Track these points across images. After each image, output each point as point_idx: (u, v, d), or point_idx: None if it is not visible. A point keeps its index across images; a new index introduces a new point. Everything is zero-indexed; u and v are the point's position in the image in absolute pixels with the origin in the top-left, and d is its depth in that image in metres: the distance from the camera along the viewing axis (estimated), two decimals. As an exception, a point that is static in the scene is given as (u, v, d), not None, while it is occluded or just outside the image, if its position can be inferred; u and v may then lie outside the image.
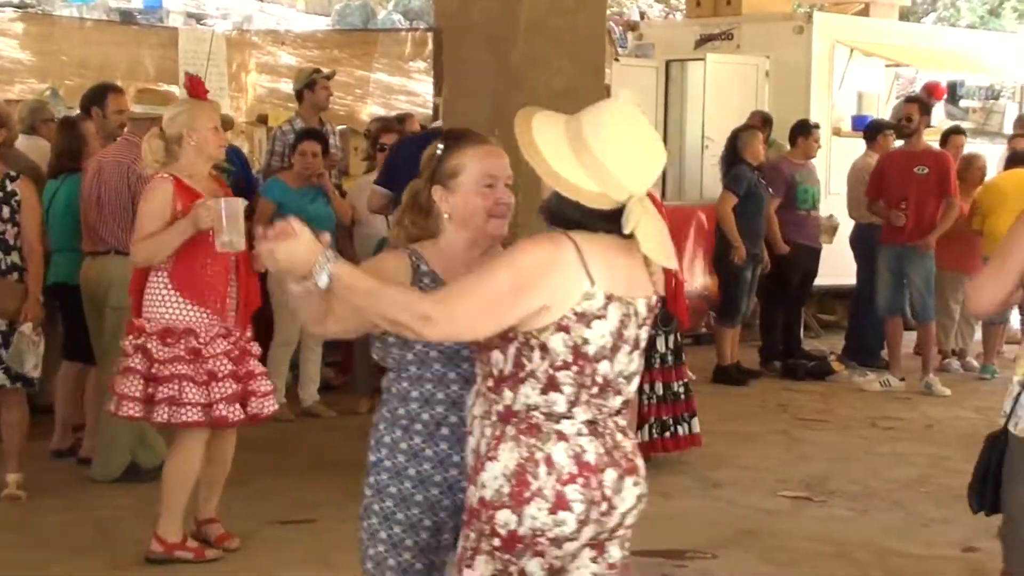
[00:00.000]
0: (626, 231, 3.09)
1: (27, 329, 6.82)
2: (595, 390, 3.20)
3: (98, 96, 8.21)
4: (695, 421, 8.19)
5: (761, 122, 12.27)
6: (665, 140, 14.22)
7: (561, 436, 3.17)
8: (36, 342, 6.88)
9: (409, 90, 17.92)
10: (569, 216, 3.16)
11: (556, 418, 3.17)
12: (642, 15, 22.69)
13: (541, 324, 3.13)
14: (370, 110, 17.40)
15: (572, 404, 3.18)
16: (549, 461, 3.15)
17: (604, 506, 3.20)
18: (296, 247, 3.14)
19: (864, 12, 16.61)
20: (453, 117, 6.90)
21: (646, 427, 7.96)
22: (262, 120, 14.75)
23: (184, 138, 6.00)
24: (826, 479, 7.94)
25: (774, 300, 11.55)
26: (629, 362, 3.26)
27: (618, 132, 3.14)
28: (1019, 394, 4.14)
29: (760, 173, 10.90)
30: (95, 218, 7.36)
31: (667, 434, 8.08)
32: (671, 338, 8.13)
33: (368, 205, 8.42)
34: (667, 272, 8.30)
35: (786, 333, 11.65)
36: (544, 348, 3.14)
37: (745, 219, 10.64)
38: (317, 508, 6.91)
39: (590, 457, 3.18)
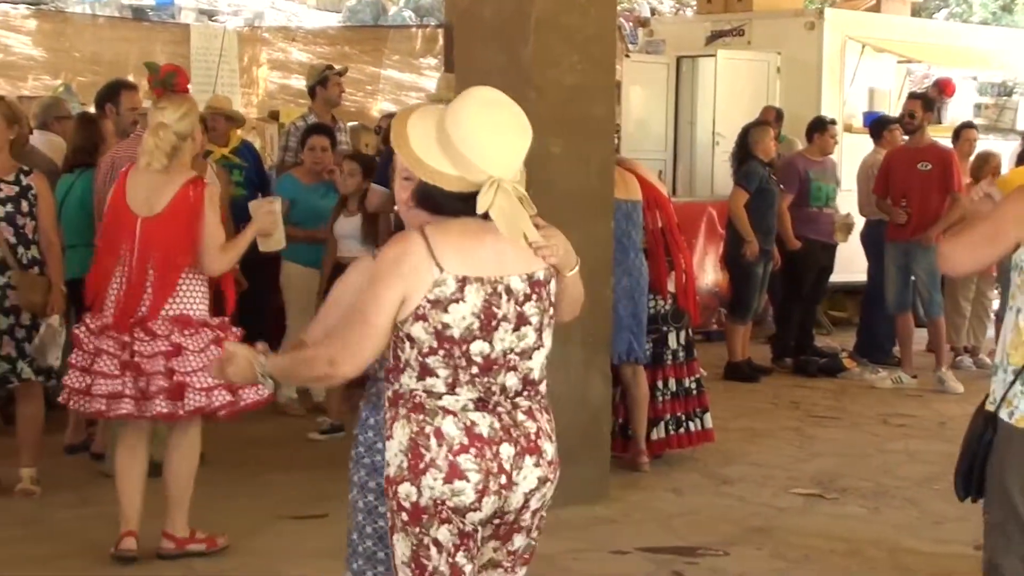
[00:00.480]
0: (480, 211, 3.24)
1: (55, 321, 6.86)
2: (475, 370, 3.32)
3: (112, 93, 8.26)
4: (707, 417, 8.20)
5: (775, 117, 12.25)
6: (675, 136, 14.47)
7: (447, 411, 3.31)
8: (60, 333, 6.91)
9: (420, 86, 17.95)
10: (433, 200, 3.32)
11: (437, 396, 3.31)
12: (653, 11, 22.67)
13: (403, 316, 3.30)
14: (381, 106, 17.44)
15: (452, 385, 3.32)
16: (439, 433, 3.30)
17: (503, 479, 3.32)
18: (237, 366, 3.56)
19: (876, 8, 16.57)
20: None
21: (661, 423, 7.98)
22: (274, 116, 14.78)
23: (191, 136, 6.02)
24: (838, 476, 7.94)
25: (790, 297, 11.55)
26: (520, 338, 3.36)
27: (473, 118, 3.29)
28: (1013, 382, 4.13)
29: (771, 169, 10.90)
30: (108, 213, 7.39)
31: (680, 430, 8.09)
32: (682, 334, 8.14)
33: (368, 204, 8.40)
34: (677, 268, 8.32)
35: (799, 330, 11.64)
36: (410, 338, 3.31)
37: (756, 215, 10.63)
38: (328, 502, 6.91)
39: (482, 430, 3.31)
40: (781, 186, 11.01)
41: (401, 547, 3.35)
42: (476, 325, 3.30)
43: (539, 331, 3.39)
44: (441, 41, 17.26)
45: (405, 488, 3.29)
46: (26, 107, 8.32)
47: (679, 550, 6.42)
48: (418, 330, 3.29)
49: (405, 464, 3.30)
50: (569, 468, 7.03)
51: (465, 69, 7.43)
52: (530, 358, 3.39)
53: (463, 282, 3.28)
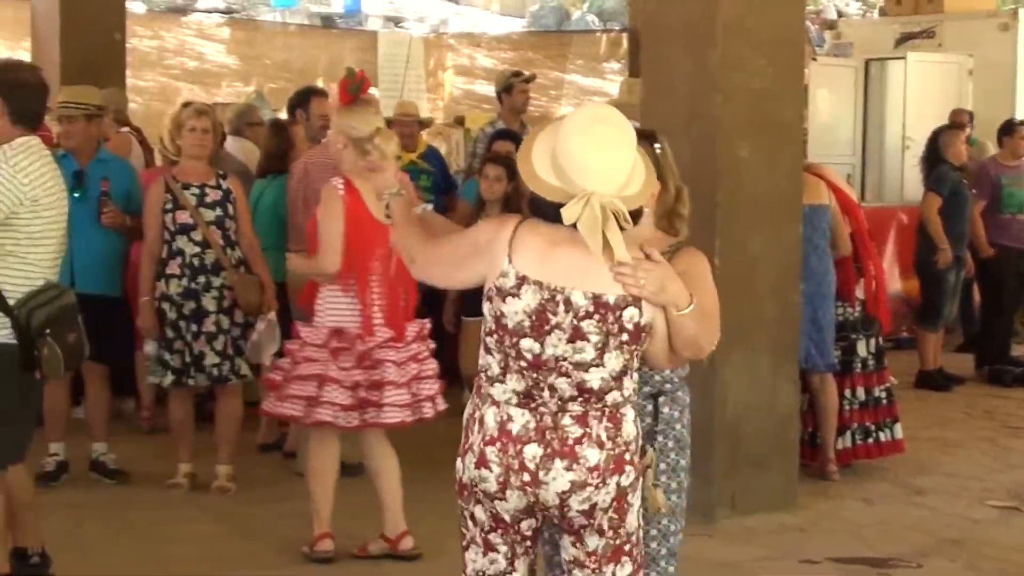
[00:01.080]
0: (565, 222, 3.38)
1: (272, 318, 7.08)
2: (523, 363, 3.49)
3: (303, 100, 8.44)
4: (898, 427, 8.04)
5: (966, 120, 11.97)
6: (864, 140, 14.23)
7: (494, 401, 3.54)
8: (277, 329, 7.11)
9: (604, 91, 17.95)
10: (539, 208, 3.49)
11: (492, 381, 3.54)
12: (839, 14, 22.33)
13: (485, 291, 3.56)
14: (564, 111, 17.46)
15: (503, 370, 3.52)
16: (481, 421, 3.55)
17: (526, 476, 3.48)
18: (383, 178, 4.69)
19: (1073, 7, 16.09)
20: (650, 118, 6.88)
21: (848, 432, 7.85)
22: (459, 122, 14.92)
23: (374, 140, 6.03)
24: (1035, 489, 7.73)
25: (992, 307, 11.26)
26: (575, 351, 3.47)
27: (574, 134, 3.43)
28: None
29: (963, 174, 10.64)
30: (301, 217, 7.54)
31: (869, 440, 7.95)
32: (872, 342, 7.99)
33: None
34: (867, 274, 8.15)
35: (996, 339, 11.34)
36: (485, 313, 3.57)
37: (948, 221, 10.38)
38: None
39: (513, 427, 3.49)
40: (973, 191, 10.75)
41: (458, 510, 3.66)
42: (527, 324, 3.47)
43: (600, 350, 3.47)
44: (625, 45, 17.24)
45: (458, 462, 3.60)
46: (220, 113, 8.51)
47: (871, 561, 6.31)
48: (486, 308, 3.55)
49: (462, 440, 3.60)
50: (757, 474, 7.07)
51: (651, 74, 7.42)
52: (587, 371, 3.48)
53: (522, 280, 3.47)
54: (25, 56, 11.39)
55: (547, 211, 3.45)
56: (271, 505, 7.07)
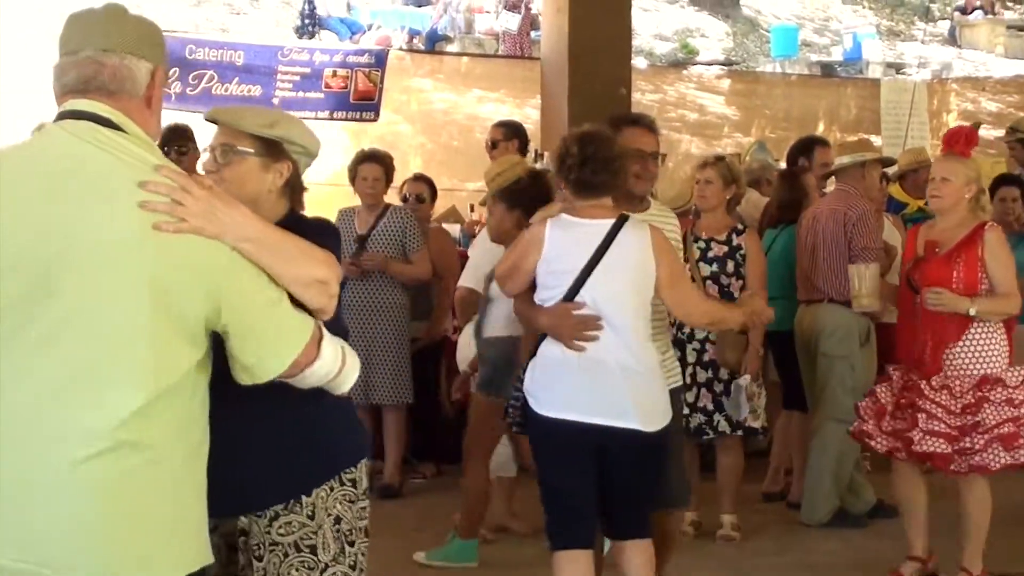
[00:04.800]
0: None
1: (744, 382, 7.00)
2: None
3: (806, 149, 8.45)
4: None
5: None
6: None
7: None
8: (756, 394, 7.07)
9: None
10: None
11: None
12: None
13: None
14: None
15: None
16: None
17: None
18: None
19: None
20: None
21: None
22: (965, 168, 14.45)
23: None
24: None
25: None
26: None
27: None
28: None
29: None
30: (809, 266, 7.52)
31: None
32: None
33: None
34: None
35: None
36: None
37: None
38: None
39: None
40: None
41: None
42: None
43: None
44: None
45: None
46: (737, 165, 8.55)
47: None
48: None
49: None
50: None
51: None
52: None
53: None
54: (533, 112, 11.93)
55: None
56: (774, 556, 7.02)
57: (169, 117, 9.32)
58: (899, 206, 9.39)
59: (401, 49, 14.93)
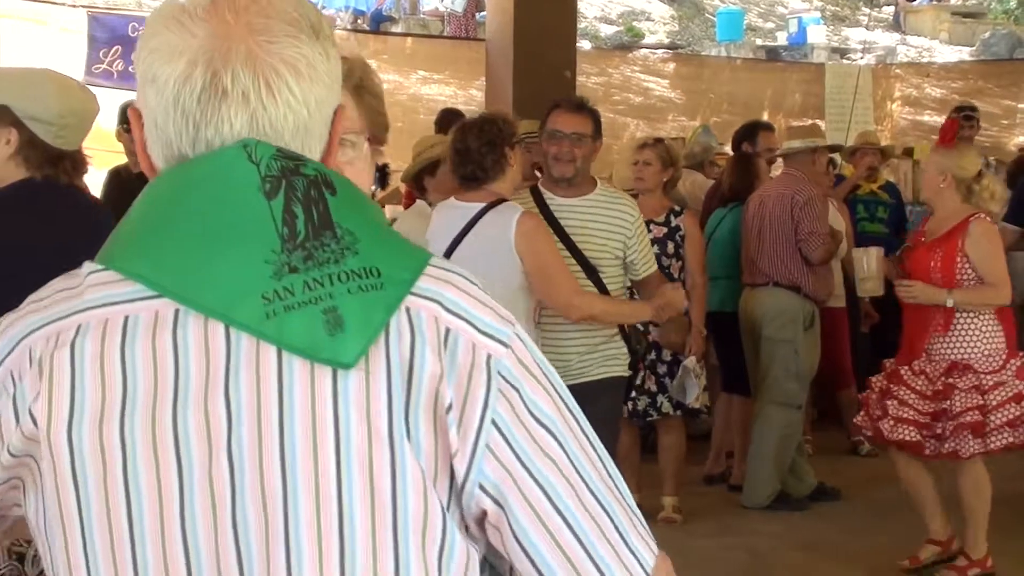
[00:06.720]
0: None
1: (690, 363, 6.97)
2: None
3: (750, 133, 8.46)
4: None
5: None
6: None
7: None
8: (699, 375, 7.08)
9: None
10: None
11: None
12: None
13: None
14: (1018, 140, 16.76)
15: None
16: None
17: None
18: None
19: None
20: None
21: None
22: (907, 153, 14.52)
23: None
24: None
25: None
26: None
27: None
28: None
29: None
30: (755, 250, 7.52)
31: None
32: None
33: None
34: None
35: None
36: None
37: None
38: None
39: None
40: None
41: None
42: None
43: None
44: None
45: None
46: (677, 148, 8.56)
47: None
48: None
49: None
50: None
51: None
52: None
53: None
54: (478, 93, 11.88)
55: None
56: (717, 537, 7.01)
57: (114, 96, 9.25)
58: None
59: (346, 29, 14.84)
